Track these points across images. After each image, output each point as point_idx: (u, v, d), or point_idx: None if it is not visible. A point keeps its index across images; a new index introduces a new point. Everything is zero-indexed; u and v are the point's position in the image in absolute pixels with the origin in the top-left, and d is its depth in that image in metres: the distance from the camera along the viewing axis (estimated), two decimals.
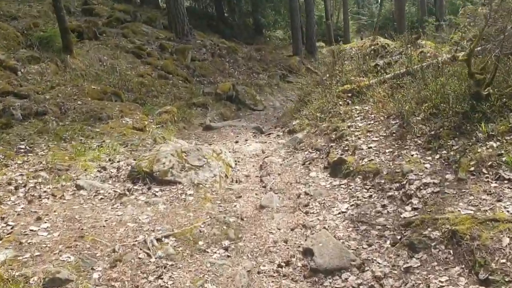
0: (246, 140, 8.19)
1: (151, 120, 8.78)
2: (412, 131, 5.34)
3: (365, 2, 43.98)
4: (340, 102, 7.29)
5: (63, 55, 10.54)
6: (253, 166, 6.50)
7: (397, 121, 5.83)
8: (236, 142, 8.11)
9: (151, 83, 11.42)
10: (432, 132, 5.07)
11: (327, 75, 9.08)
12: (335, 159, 5.48)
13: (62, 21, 10.50)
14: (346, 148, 5.69)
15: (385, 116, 6.16)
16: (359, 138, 5.76)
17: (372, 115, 6.35)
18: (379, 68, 8.26)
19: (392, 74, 7.73)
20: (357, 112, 6.70)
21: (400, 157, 4.97)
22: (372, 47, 9.21)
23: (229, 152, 7.26)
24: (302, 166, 5.97)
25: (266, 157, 6.70)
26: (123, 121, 8.23)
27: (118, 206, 4.92)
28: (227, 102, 11.90)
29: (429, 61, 7.64)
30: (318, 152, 6.19)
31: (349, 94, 7.38)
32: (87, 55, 11.71)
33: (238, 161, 6.70)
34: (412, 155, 4.92)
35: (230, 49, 17.65)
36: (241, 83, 14.45)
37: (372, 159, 5.13)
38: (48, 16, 13.29)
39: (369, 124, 6.09)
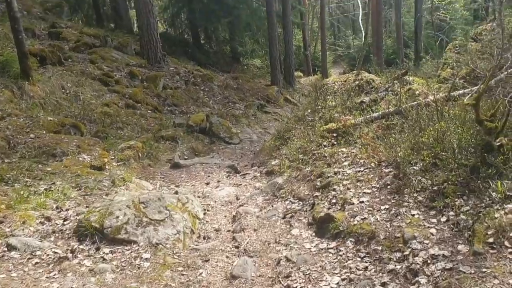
0: (218, 182, 7.33)
1: (112, 157, 7.85)
2: (410, 184, 4.59)
3: (342, 34, 44.37)
4: (325, 143, 6.54)
5: (20, 81, 9.60)
6: (225, 216, 5.63)
7: (391, 169, 5.09)
8: (207, 184, 7.24)
9: (117, 113, 10.51)
10: (435, 188, 4.32)
11: (309, 111, 8.37)
12: (322, 215, 4.66)
13: (21, 44, 9.59)
14: (334, 201, 4.89)
15: (376, 163, 5.41)
16: (348, 189, 4.97)
17: (362, 161, 5.60)
18: (365, 106, 7.59)
19: (380, 113, 7.07)
20: (344, 155, 5.95)
21: (399, 217, 4.19)
22: (357, 82, 8.58)
23: (198, 197, 6.39)
24: (282, 220, 5.13)
25: (240, 205, 5.85)
26: (80, 158, 7.28)
27: (55, 274, 3.96)
28: (199, 135, 11.05)
29: (420, 100, 7.02)
30: (301, 203, 5.37)
31: (334, 134, 6.65)
32: (48, 82, 10.74)
33: (208, 210, 5.83)
34: (413, 215, 4.15)
35: (206, 77, 16.92)
36: (216, 113, 13.66)
37: (366, 218, 4.34)
38: (8, 38, 12.26)
39: (359, 172, 5.33)
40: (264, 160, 8.11)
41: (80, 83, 11.51)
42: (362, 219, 4.34)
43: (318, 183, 5.46)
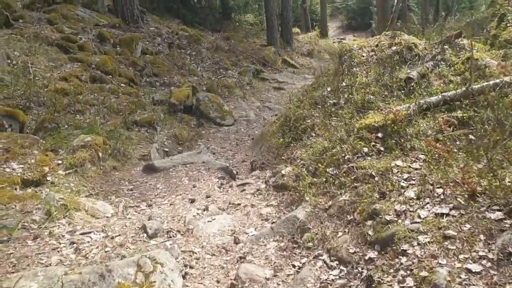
0: (207, 197, 5.17)
1: (60, 161, 5.62)
2: None
3: None
4: (365, 148, 4.33)
5: None
6: (218, 282, 3.50)
7: (502, 215, 2.94)
8: (192, 201, 5.08)
9: (77, 90, 8.18)
10: None
11: (328, 89, 6.11)
12: None
13: None
14: (412, 283, 2.74)
15: (466, 195, 3.25)
16: (434, 257, 2.82)
17: (439, 189, 3.42)
18: (413, 84, 5.34)
19: (440, 96, 4.84)
20: (404, 175, 3.76)
21: None
22: (394, 47, 6.27)
23: (177, 232, 4.26)
24: None
25: (241, 257, 3.71)
26: (7, 170, 5.07)
27: None
28: (184, 116, 8.78)
29: (500, 77, 4.80)
30: (345, 270, 3.22)
31: (379, 135, 4.44)
32: None
33: (191, 266, 3.68)
34: None
35: (192, 38, 14.45)
36: (205, 83, 11.34)
37: None
38: None
39: (441, 215, 3.16)
40: (269, 159, 5.93)
41: (32, 50, 9.08)
42: None
43: (371, 232, 3.29)
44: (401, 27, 8.31)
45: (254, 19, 23.69)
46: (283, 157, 5.40)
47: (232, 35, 17.55)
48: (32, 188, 4.95)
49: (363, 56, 6.43)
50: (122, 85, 9.53)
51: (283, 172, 5.00)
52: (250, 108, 10.56)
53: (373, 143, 4.34)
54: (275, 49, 17.23)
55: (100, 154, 6.03)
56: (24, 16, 10.54)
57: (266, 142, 6.84)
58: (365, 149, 4.30)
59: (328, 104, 5.71)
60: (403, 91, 5.38)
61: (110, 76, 9.56)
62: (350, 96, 5.59)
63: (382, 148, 4.28)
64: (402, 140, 4.28)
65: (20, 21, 10.28)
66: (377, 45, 6.53)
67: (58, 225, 4.24)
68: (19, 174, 4.99)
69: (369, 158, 4.19)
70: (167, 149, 7.34)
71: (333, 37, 28.86)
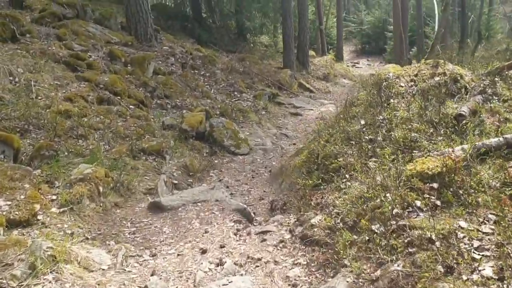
0: (221, 247, 4.41)
1: (54, 196, 4.92)
2: None
3: (353, 9, 40.94)
4: (418, 202, 3.56)
5: None
6: None
7: None
8: (204, 252, 4.32)
9: (82, 112, 7.53)
10: None
11: (362, 122, 5.38)
12: None
13: None
14: None
15: None
16: None
17: None
18: (465, 122, 4.59)
19: (501, 139, 4.08)
20: (473, 242, 2.99)
21: None
22: (437, 78, 5.55)
23: None
24: None
25: None
26: None
27: None
28: (196, 143, 8.07)
29: None
30: None
31: (433, 185, 3.67)
32: None
33: None
34: None
35: (207, 59, 13.84)
36: (219, 107, 10.67)
37: None
38: None
39: None
40: (292, 200, 5.18)
41: (37, 67, 8.50)
42: None
43: None
44: (441, 54, 7.58)
45: (269, 41, 23.21)
46: (310, 202, 4.64)
47: (247, 56, 16.96)
48: (19, 230, 4.26)
49: (401, 86, 5.71)
50: (131, 106, 8.88)
51: (312, 221, 4.24)
52: (266, 135, 9.85)
53: (427, 195, 3.58)
54: (291, 72, 16.59)
55: (101, 189, 5.30)
56: (32, 30, 10.00)
57: (287, 179, 6.11)
58: (418, 203, 3.53)
59: (364, 140, 4.97)
60: (451, 130, 4.63)
61: (119, 97, 8.91)
62: (389, 132, 4.85)
63: (438, 202, 3.51)
64: (461, 192, 3.51)
65: (27, 36, 9.73)
66: (416, 75, 5.81)
67: (43, 282, 3.50)
68: (4, 213, 4.29)
69: (422, 214, 3.42)
70: (176, 181, 6.61)
71: (346, 61, 28.31)
